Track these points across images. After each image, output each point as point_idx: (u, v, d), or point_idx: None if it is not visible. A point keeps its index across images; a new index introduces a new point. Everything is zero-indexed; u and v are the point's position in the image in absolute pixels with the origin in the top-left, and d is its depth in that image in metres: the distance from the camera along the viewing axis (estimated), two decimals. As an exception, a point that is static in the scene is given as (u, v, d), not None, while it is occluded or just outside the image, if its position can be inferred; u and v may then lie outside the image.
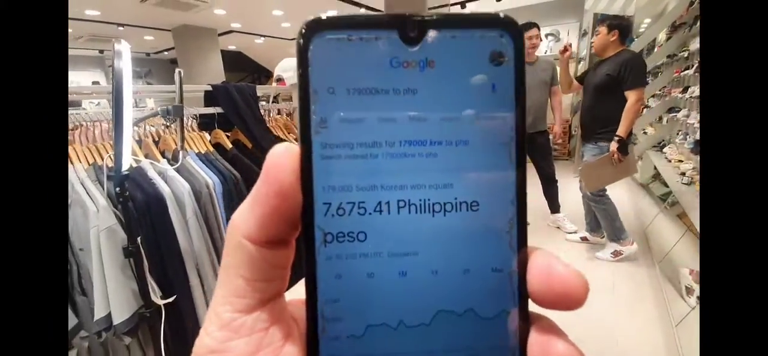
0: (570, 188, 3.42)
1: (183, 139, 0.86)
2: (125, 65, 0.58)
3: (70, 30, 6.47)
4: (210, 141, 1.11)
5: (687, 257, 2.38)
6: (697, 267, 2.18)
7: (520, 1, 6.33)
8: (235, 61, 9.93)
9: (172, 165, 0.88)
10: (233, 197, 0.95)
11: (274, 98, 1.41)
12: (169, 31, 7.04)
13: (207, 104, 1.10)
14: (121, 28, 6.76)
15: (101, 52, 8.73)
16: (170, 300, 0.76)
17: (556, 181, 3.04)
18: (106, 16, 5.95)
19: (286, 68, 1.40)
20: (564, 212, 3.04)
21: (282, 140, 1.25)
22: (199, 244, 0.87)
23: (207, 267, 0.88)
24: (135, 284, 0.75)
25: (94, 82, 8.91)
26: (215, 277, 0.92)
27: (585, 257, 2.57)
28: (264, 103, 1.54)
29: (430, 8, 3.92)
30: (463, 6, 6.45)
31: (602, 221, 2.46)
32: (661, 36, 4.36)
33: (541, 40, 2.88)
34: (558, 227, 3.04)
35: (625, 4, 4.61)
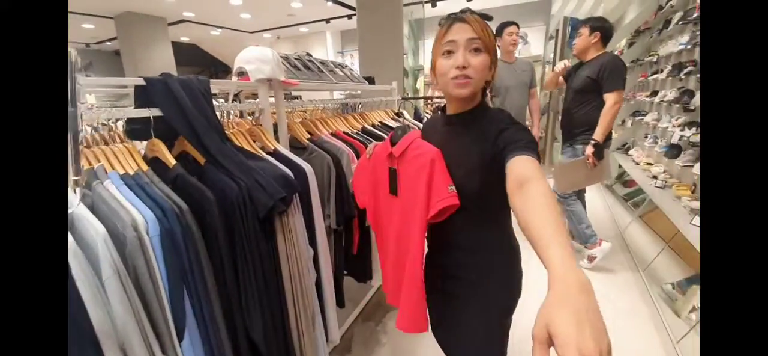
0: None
1: (78, 160, 0.56)
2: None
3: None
4: (144, 156, 0.80)
5: (667, 265, 2.37)
6: (677, 278, 2.17)
7: (487, 4, 6.36)
8: (188, 54, 9.18)
9: (79, 198, 0.58)
10: (176, 239, 0.66)
11: (235, 95, 1.11)
12: (111, 18, 6.31)
13: (139, 104, 0.80)
14: (50, 13, 5.94)
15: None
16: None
17: None
18: (31, -1, 5.18)
19: (250, 59, 1.10)
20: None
21: (247, 152, 0.97)
22: (125, 315, 0.58)
23: (138, 347, 0.59)
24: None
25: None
26: (150, 360, 0.63)
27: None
28: (222, 101, 1.24)
29: (404, 4, 3.69)
30: (433, 4, 6.35)
31: (569, 223, 2.42)
32: (622, 43, 4.49)
33: (518, 36, 2.83)
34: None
35: (592, 7, 4.69)
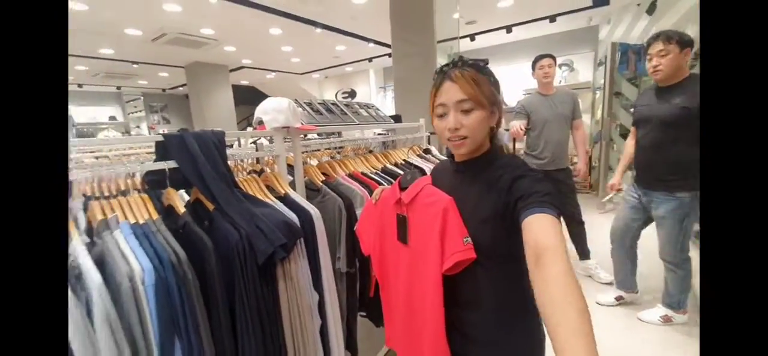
0: (596, 228, 3.06)
1: (78, 213, 0.62)
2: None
3: (86, 68, 6.71)
4: (158, 205, 0.87)
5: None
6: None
7: (533, 33, 6.23)
8: (246, 95, 10.08)
9: (84, 248, 0.65)
10: (170, 288, 0.70)
11: (253, 142, 1.19)
12: (183, 68, 7.21)
13: (159, 157, 0.88)
14: (135, 66, 6.93)
15: (118, 88, 9.01)
16: None
17: (583, 222, 2.72)
18: (120, 55, 6.10)
19: (268, 109, 1.18)
20: (595, 259, 2.69)
21: (254, 199, 1.01)
22: (115, 362, 0.61)
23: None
24: None
25: (111, 118, 9.21)
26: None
27: (624, 321, 2.17)
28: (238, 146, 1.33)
29: (438, 42, 3.74)
30: (472, 39, 6.37)
31: (673, 285, 2.04)
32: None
33: (553, 68, 2.64)
34: (589, 276, 2.69)
35: (642, 33, 4.39)
